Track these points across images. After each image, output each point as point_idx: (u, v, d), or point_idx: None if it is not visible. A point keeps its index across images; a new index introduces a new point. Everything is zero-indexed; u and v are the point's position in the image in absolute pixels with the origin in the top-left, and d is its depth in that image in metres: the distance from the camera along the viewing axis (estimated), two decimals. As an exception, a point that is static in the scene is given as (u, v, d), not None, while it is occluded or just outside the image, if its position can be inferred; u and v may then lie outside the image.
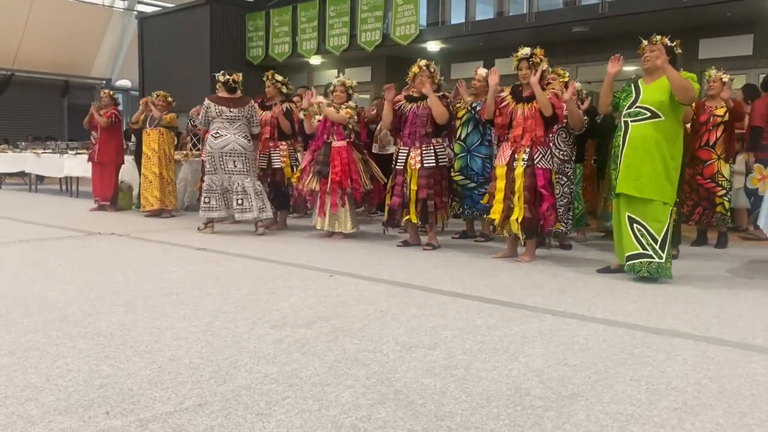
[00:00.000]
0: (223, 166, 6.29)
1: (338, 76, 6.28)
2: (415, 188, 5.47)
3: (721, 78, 5.85)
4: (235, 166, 6.29)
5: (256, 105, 6.58)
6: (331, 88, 6.27)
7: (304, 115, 6.24)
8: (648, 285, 4.24)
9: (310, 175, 6.04)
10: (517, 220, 4.86)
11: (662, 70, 4.30)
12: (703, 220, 5.85)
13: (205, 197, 6.43)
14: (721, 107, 5.76)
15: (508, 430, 2.03)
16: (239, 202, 6.28)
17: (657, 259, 4.26)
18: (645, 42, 4.43)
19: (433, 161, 5.47)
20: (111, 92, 8.98)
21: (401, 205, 5.61)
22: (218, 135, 6.30)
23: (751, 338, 3.08)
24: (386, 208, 5.79)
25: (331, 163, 5.91)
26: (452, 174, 6.03)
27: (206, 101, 6.45)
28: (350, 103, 6.12)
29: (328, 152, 5.95)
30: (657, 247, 4.26)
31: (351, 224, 6.06)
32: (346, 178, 5.88)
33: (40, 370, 2.50)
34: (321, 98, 6.00)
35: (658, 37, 4.39)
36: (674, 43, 4.39)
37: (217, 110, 6.33)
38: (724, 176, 5.71)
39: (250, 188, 6.28)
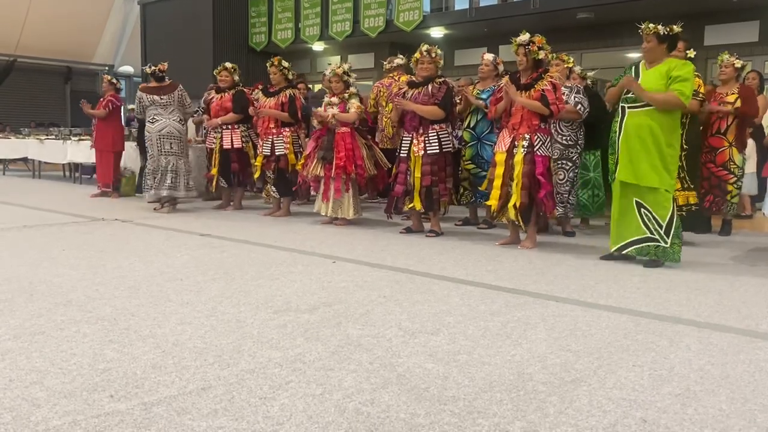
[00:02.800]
0: (160, 148, 6.89)
1: (330, 65, 6.25)
2: (419, 175, 5.45)
3: (734, 63, 5.78)
4: (171, 148, 6.93)
5: (182, 88, 7.07)
6: (326, 79, 6.23)
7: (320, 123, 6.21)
8: (651, 271, 4.24)
9: (315, 161, 6.04)
10: (514, 206, 4.85)
11: (658, 62, 4.28)
12: (713, 208, 5.81)
13: (147, 179, 7.03)
14: (732, 94, 5.69)
15: (511, 414, 2.04)
16: (171, 181, 6.92)
17: (663, 244, 4.32)
18: (646, 26, 4.35)
19: (437, 148, 5.43)
20: (110, 77, 8.95)
21: (404, 193, 5.59)
22: (155, 120, 6.92)
23: (755, 325, 3.08)
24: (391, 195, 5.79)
25: (335, 148, 5.90)
26: (463, 162, 6.00)
27: (138, 92, 7.06)
28: (352, 89, 6.09)
29: (332, 138, 5.94)
30: (662, 233, 4.31)
31: (353, 210, 6.06)
32: (351, 164, 5.88)
33: (45, 354, 2.51)
34: (332, 110, 5.96)
35: (651, 26, 4.30)
36: (668, 28, 4.28)
37: (150, 99, 6.95)
38: (735, 163, 5.65)
39: (181, 169, 6.96)
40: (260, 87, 6.91)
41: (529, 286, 3.78)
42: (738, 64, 5.78)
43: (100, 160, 8.65)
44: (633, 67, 4.46)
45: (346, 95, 6.01)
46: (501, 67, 6.05)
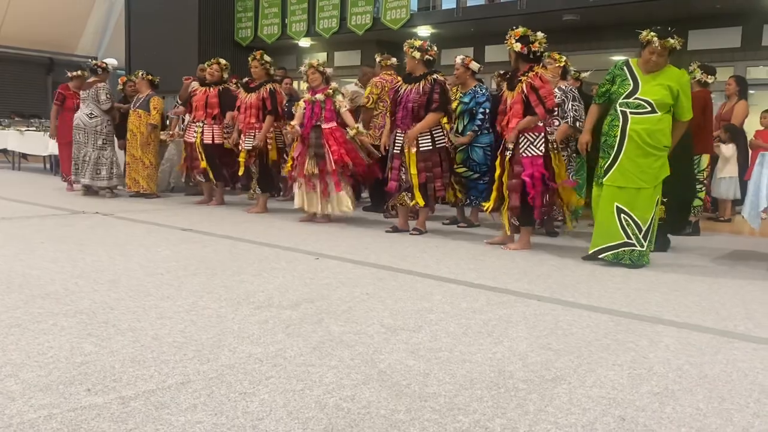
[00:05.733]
0: (76, 138, 7.66)
1: (303, 64, 6.21)
2: (416, 172, 5.38)
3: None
4: (79, 138, 7.64)
5: (101, 86, 7.65)
6: (304, 77, 6.20)
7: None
8: (632, 272, 4.27)
9: (307, 159, 5.91)
10: (508, 209, 4.85)
11: (657, 70, 4.33)
12: None
13: (73, 165, 7.78)
14: None
15: (491, 411, 2.04)
16: (95, 171, 7.66)
17: (639, 248, 4.37)
18: (653, 36, 4.25)
19: (430, 144, 5.38)
20: (80, 72, 8.81)
21: (399, 189, 5.53)
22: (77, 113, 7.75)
23: (732, 326, 3.11)
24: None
25: (326, 144, 5.83)
26: (456, 167, 5.93)
27: None
28: (334, 85, 6.01)
29: (319, 134, 5.87)
30: (641, 237, 4.35)
31: (351, 202, 6.01)
32: (347, 156, 5.82)
33: (21, 347, 2.47)
34: (352, 130, 5.90)
35: (671, 41, 4.24)
36: (678, 41, 4.30)
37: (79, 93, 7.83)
38: None
39: (93, 158, 7.61)
40: (234, 81, 6.85)
41: (511, 285, 3.80)
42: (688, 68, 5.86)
43: (64, 154, 8.56)
44: (625, 68, 4.45)
45: (330, 91, 5.95)
46: (473, 65, 5.95)
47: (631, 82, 4.38)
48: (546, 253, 4.87)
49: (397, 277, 3.91)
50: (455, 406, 2.07)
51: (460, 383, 2.26)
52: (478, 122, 5.82)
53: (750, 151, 7.04)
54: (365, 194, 7.89)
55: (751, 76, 9.24)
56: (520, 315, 3.15)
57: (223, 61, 7.18)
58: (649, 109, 4.31)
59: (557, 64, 5.70)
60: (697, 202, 5.85)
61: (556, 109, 5.27)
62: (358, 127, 5.92)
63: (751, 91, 7.81)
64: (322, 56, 13.08)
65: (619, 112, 4.38)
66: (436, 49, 5.61)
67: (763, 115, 7.34)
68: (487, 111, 5.77)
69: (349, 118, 5.96)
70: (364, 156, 5.97)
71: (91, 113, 7.60)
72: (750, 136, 7.28)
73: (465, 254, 4.76)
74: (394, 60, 6.88)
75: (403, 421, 1.95)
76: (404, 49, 5.54)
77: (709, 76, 6.02)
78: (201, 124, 7.02)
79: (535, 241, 5.29)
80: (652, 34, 4.30)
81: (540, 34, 4.85)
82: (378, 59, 6.80)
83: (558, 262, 4.54)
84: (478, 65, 6.02)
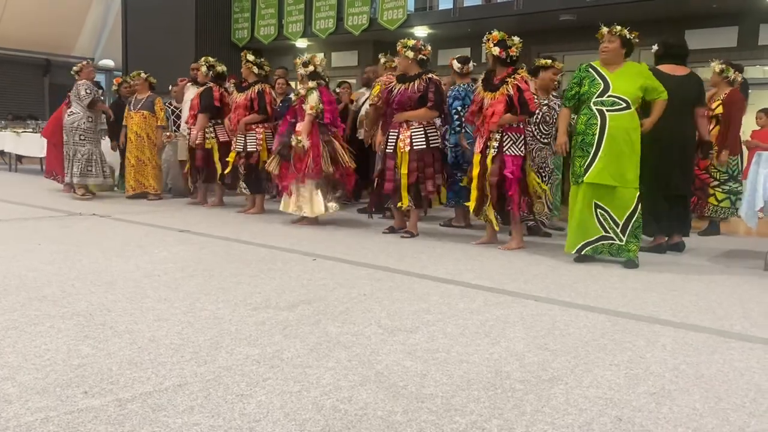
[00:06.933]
0: (64, 140, 7.71)
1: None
2: (406, 172, 5.31)
3: (714, 69, 5.87)
4: (65, 139, 7.67)
5: (81, 83, 7.61)
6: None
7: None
8: (629, 272, 4.28)
9: (273, 157, 5.94)
10: (492, 206, 4.89)
11: (617, 66, 4.46)
12: (696, 210, 5.91)
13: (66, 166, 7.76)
14: (717, 101, 5.78)
15: (488, 412, 2.04)
16: (83, 168, 7.63)
17: (617, 242, 4.42)
18: (604, 29, 4.47)
19: (424, 143, 5.31)
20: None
21: (395, 190, 5.40)
22: None
23: (729, 325, 3.12)
24: (369, 193, 5.69)
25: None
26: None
27: None
28: (311, 83, 5.84)
29: (291, 133, 5.84)
30: (618, 231, 4.41)
31: (317, 207, 5.85)
32: (301, 162, 5.68)
33: (18, 350, 2.47)
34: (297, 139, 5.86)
35: (618, 28, 4.44)
36: (632, 34, 4.45)
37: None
38: (716, 168, 5.78)
39: (71, 155, 7.59)
40: (233, 81, 6.85)
41: (507, 285, 3.80)
42: (717, 68, 5.85)
43: (55, 154, 8.52)
44: (591, 70, 4.51)
45: (303, 91, 5.85)
46: (456, 64, 5.94)
47: (600, 82, 4.44)
48: (542, 253, 4.88)
49: (394, 278, 3.91)
50: (452, 407, 2.07)
51: (457, 384, 2.26)
52: (456, 121, 5.80)
53: (746, 151, 7.05)
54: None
55: (747, 75, 9.23)
56: (517, 315, 3.15)
57: (210, 59, 7.14)
58: (624, 105, 4.37)
59: (550, 73, 5.71)
60: (726, 203, 5.85)
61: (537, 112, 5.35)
62: (300, 140, 5.70)
63: (748, 91, 7.82)
64: (319, 55, 13.08)
65: (595, 111, 4.41)
66: (429, 48, 5.60)
67: (759, 115, 7.35)
68: (458, 108, 5.76)
69: (304, 125, 5.72)
70: (326, 163, 5.71)
71: (70, 112, 7.58)
72: (746, 136, 7.28)
73: (462, 255, 4.76)
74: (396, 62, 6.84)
75: (400, 423, 1.95)
76: (397, 48, 5.53)
77: (739, 74, 6.03)
78: (188, 128, 7.10)
79: (531, 241, 5.30)
80: (602, 28, 4.51)
81: (516, 39, 4.91)
82: (382, 60, 6.78)
83: (554, 262, 4.55)
84: (459, 65, 5.97)
